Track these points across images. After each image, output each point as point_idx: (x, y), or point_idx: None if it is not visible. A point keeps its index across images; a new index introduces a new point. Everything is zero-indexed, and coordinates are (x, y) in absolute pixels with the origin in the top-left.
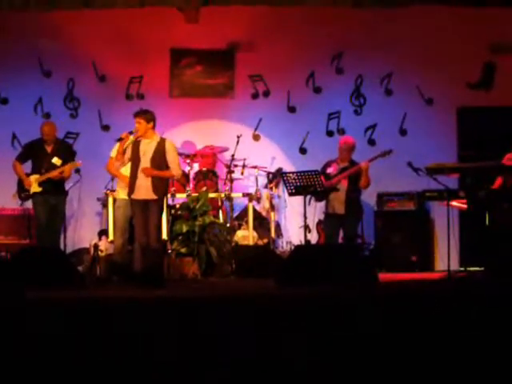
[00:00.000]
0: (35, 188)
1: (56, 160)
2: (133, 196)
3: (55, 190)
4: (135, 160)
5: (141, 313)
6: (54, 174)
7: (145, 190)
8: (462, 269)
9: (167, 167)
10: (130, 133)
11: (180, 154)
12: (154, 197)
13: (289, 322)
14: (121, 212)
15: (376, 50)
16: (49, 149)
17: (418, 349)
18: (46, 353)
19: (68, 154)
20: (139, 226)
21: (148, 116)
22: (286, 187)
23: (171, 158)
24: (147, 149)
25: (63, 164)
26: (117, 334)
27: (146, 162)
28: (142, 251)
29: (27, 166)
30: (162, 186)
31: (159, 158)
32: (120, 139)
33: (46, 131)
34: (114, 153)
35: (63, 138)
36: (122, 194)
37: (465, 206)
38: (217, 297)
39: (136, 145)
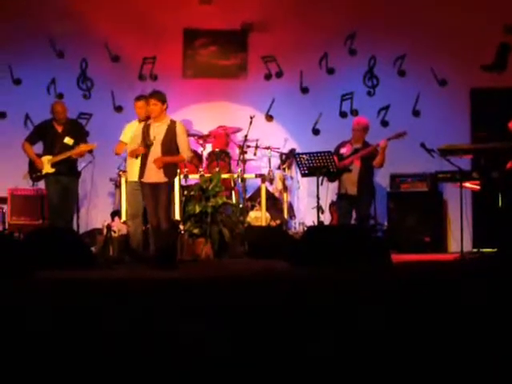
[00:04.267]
0: (48, 169)
1: (68, 140)
2: (143, 179)
3: (68, 170)
4: (146, 143)
5: (153, 293)
6: (67, 154)
7: (155, 173)
8: (475, 250)
9: (177, 150)
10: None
11: (193, 135)
12: (165, 179)
13: (301, 303)
14: (132, 194)
15: (389, 31)
16: (60, 129)
17: (429, 333)
18: (57, 334)
19: (79, 134)
20: (150, 209)
21: (163, 97)
22: (299, 168)
23: (182, 140)
24: (158, 132)
25: (75, 143)
26: (128, 315)
27: (156, 145)
28: (153, 233)
29: (39, 148)
30: (172, 168)
31: (170, 142)
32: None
33: (59, 110)
34: (123, 136)
35: (76, 118)
36: (130, 175)
37: (478, 187)
38: (229, 277)
39: (146, 128)
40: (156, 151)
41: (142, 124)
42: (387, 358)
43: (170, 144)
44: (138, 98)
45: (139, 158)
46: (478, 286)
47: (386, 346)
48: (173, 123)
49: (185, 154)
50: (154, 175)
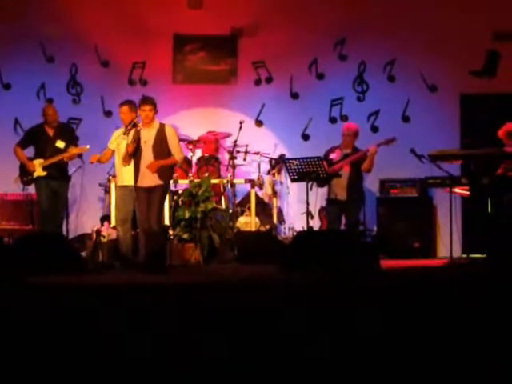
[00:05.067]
0: (39, 172)
1: (59, 143)
2: (138, 184)
3: (59, 174)
4: (138, 148)
5: (142, 299)
6: (59, 157)
7: (149, 176)
8: (465, 255)
9: (169, 153)
10: (134, 126)
11: (182, 140)
12: (160, 182)
13: (291, 308)
14: (117, 199)
15: (379, 36)
16: (51, 132)
17: (419, 337)
18: (46, 339)
19: (71, 137)
20: (143, 213)
21: (155, 103)
22: (289, 173)
23: (173, 143)
24: (148, 137)
25: (66, 147)
26: (118, 321)
27: (147, 150)
28: (144, 237)
29: (29, 152)
30: (166, 171)
31: (161, 145)
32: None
33: (50, 113)
34: (110, 144)
35: (66, 122)
36: (120, 180)
37: (467, 192)
38: (219, 283)
39: (137, 133)
40: (148, 156)
41: (123, 129)
42: (377, 361)
43: (160, 147)
44: (123, 104)
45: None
46: (467, 292)
47: (376, 350)
48: (162, 126)
49: (177, 156)
50: (149, 179)
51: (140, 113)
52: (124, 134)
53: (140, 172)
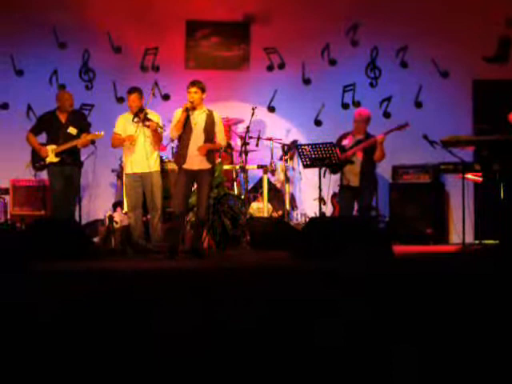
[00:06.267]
0: (52, 158)
1: (71, 129)
2: (185, 166)
3: (71, 160)
4: (187, 130)
5: (155, 284)
6: (73, 144)
7: (198, 160)
8: (477, 242)
9: (213, 137)
10: (187, 109)
11: None
12: (208, 166)
13: (304, 295)
14: (127, 186)
15: (391, 22)
16: (63, 119)
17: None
18: (59, 324)
19: (83, 123)
20: (180, 196)
21: (203, 86)
22: (301, 159)
23: (219, 128)
24: (198, 120)
25: (79, 133)
26: (130, 306)
27: (198, 132)
28: (180, 220)
29: (42, 139)
30: (213, 155)
31: (210, 129)
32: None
33: (67, 97)
34: (117, 128)
35: (78, 109)
36: (126, 168)
37: (480, 179)
38: (231, 268)
39: (186, 114)
40: (199, 139)
41: (127, 114)
42: (388, 349)
43: (210, 131)
44: (132, 92)
45: (137, 150)
46: (479, 278)
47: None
48: (210, 112)
49: (223, 141)
50: (198, 162)
51: (187, 95)
52: (133, 120)
53: (188, 154)
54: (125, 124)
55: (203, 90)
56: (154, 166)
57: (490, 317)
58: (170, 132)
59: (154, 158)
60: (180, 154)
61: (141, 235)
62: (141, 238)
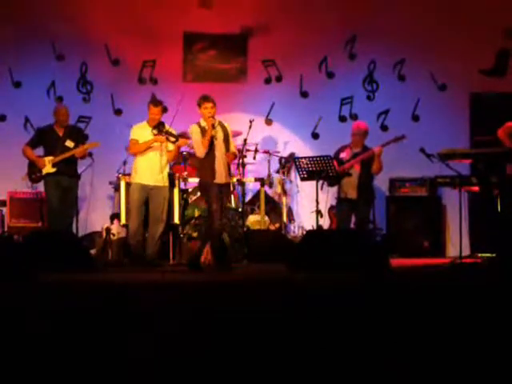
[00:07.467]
0: (49, 169)
1: (68, 143)
2: (217, 181)
3: (68, 171)
4: (210, 145)
5: (151, 296)
6: (70, 153)
7: (224, 174)
8: (474, 255)
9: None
10: (213, 126)
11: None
12: (230, 180)
13: (299, 307)
14: (136, 195)
15: (389, 35)
16: (60, 132)
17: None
18: (57, 336)
19: (80, 137)
20: (217, 211)
21: (214, 100)
22: (299, 172)
23: (231, 139)
24: (217, 133)
25: (75, 146)
26: (128, 317)
27: (220, 145)
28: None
29: (39, 153)
30: (230, 168)
31: (227, 140)
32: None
33: (63, 113)
34: (134, 135)
35: (76, 122)
36: (137, 178)
37: (477, 187)
38: (229, 281)
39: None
40: (221, 152)
41: (145, 124)
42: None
43: (226, 143)
44: (157, 104)
45: (153, 162)
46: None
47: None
48: (222, 123)
49: (236, 151)
50: (225, 175)
51: (202, 111)
52: (153, 132)
53: (216, 169)
54: (141, 134)
55: (215, 104)
56: (167, 181)
57: (485, 328)
58: (197, 150)
59: (166, 172)
60: (208, 169)
61: (139, 244)
62: (139, 246)
